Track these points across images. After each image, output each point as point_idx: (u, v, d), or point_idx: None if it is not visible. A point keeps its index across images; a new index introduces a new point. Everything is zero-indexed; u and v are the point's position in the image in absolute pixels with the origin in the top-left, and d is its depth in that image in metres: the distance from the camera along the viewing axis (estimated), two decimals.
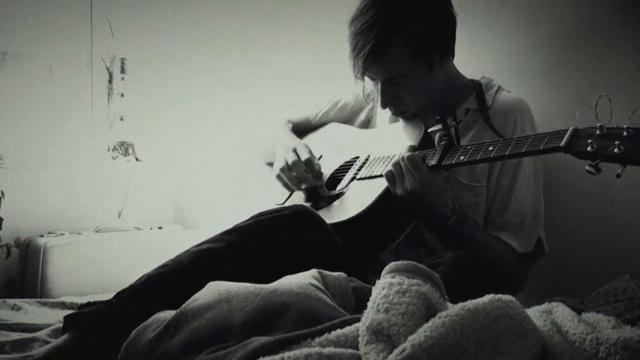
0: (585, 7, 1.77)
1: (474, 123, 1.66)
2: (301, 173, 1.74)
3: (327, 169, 1.82)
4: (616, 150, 1.11)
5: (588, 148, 1.15)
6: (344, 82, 1.97)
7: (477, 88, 1.68)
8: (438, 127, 1.49)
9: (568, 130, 1.20)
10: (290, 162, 1.75)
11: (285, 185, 1.80)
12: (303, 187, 1.76)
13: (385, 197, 1.54)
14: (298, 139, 1.91)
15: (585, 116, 1.21)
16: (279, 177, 1.80)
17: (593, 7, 1.75)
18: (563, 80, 1.80)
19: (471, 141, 1.59)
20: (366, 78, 1.65)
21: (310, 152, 1.77)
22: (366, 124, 1.91)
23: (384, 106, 1.66)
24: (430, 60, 1.59)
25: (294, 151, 1.77)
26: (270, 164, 2.03)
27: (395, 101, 1.65)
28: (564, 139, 1.19)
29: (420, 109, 1.69)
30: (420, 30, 1.56)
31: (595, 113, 1.15)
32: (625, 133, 1.11)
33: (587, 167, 1.14)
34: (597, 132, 1.15)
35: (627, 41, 1.69)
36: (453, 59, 1.69)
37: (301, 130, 2.03)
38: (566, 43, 1.80)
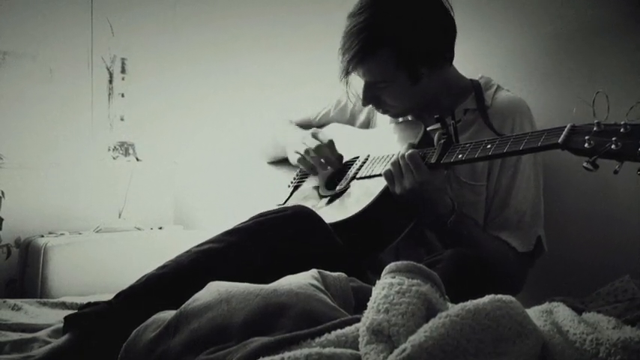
0: (583, 5, 1.77)
1: (473, 122, 1.66)
2: (327, 155, 1.74)
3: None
4: (613, 146, 1.11)
5: (586, 145, 1.15)
6: (343, 84, 1.97)
7: (475, 88, 1.68)
8: (437, 126, 1.49)
9: (566, 127, 1.21)
10: (313, 146, 1.75)
11: (310, 168, 1.78)
12: (329, 169, 1.76)
13: (385, 196, 1.54)
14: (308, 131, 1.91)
15: (583, 113, 1.21)
16: (301, 160, 1.78)
17: (591, 6, 1.75)
18: (561, 77, 1.80)
19: (469, 139, 1.59)
20: (352, 77, 1.65)
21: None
22: (367, 124, 1.91)
23: (364, 103, 1.69)
24: (416, 72, 1.59)
25: (314, 136, 1.78)
26: (274, 162, 2.03)
27: (376, 101, 1.68)
28: (562, 136, 1.20)
29: (404, 111, 1.71)
30: (409, 43, 1.55)
31: (592, 110, 1.15)
32: (622, 130, 1.11)
33: (584, 164, 1.15)
34: (595, 129, 1.15)
35: (624, 39, 1.69)
36: (450, 65, 1.68)
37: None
38: (564, 40, 1.80)
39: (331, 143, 1.76)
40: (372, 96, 1.66)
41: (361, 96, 1.67)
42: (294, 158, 1.81)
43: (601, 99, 1.15)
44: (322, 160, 1.75)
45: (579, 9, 1.77)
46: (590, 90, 1.19)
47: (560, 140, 1.19)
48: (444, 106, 1.65)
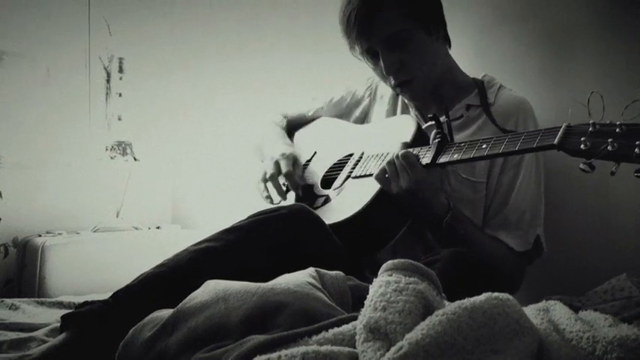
0: (578, 6, 1.77)
1: (476, 118, 1.65)
2: (277, 187, 1.74)
3: (320, 166, 1.83)
4: (609, 148, 1.10)
5: (582, 146, 1.14)
6: (342, 84, 1.97)
7: (479, 86, 1.69)
8: (431, 124, 1.49)
9: (561, 127, 1.20)
10: (268, 175, 1.76)
11: (266, 197, 1.79)
12: (276, 201, 1.76)
13: (381, 196, 1.53)
14: (287, 142, 1.91)
15: (578, 114, 1.21)
16: (257, 188, 1.80)
17: (585, 6, 1.76)
18: (557, 78, 1.80)
19: (472, 136, 1.58)
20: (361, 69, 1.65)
21: (295, 162, 1.76)
22: (362, 120, 1.91)
23: (387, 72, 1.62)
24: (425, 23, 1.59)
25: (277, 162, 1.76)
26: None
27: (399, 66, 1.62)
28: (557, 137, 1.19)
29: (428, 79, 1.65)
30: None
31: (587, 110, 1.15)
32: (618, 130, 1.10)
33: (581, 165, 1.14)
34: (590, 129, 1.14)
35: (620, 39, 1.69)
36: (449, 47, 1.69)
37: (296, 125, 2.04)
38: (560, 41, 1.81)
39: (288, 174, 1.72)
40: (393, 61, 1.60)
41: (383, 66, 1.62)
42: (260, 177, 1.81)
43: (596, 99, 1.14)
44: (282, 185, 1.75)
45: (574, 10, 1.77)
46: (584, 90, 1.19)
47: (555, 141, 1.18)
48: (449, 98, 1.66)
